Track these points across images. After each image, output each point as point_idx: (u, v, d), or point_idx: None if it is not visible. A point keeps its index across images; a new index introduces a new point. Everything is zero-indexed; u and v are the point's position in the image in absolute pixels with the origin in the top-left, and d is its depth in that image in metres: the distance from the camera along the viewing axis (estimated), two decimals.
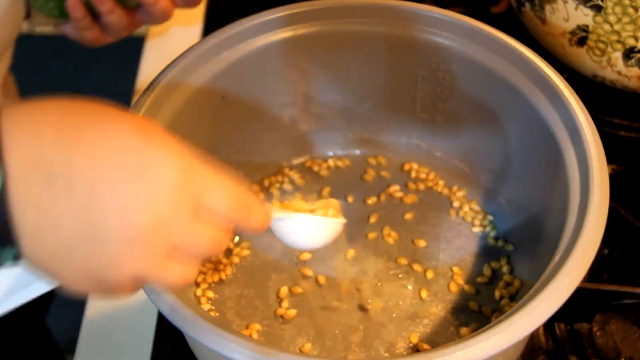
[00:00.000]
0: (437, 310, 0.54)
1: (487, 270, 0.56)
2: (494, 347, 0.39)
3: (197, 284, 0.55)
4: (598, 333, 0.54)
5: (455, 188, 0.62)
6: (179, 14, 0.62)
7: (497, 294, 0.55)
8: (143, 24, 0.57)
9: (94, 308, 0.58)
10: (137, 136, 0.33)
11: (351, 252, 0.58)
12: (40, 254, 0.33)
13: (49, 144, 0.32)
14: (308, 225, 0.44)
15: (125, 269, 0.33)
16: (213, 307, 0.55)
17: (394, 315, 0.54)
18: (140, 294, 0.41)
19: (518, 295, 0.54)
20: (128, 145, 0.33)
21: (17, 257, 0.32)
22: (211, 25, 0.78)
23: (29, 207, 0.32)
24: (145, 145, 0.33)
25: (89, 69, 1.71)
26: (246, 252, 0.58)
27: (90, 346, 0.56)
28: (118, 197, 0.32)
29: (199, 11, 0.80)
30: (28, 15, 0.56)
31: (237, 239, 0.59)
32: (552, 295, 0.40)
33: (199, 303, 0.54)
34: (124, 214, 0.32)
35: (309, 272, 0.57)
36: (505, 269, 0.56)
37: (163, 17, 0.56)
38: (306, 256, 0.57)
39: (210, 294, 0.55)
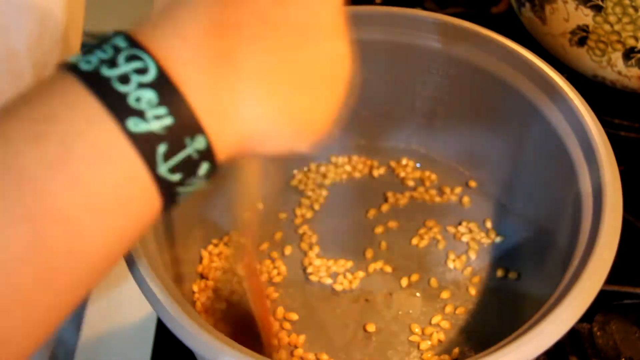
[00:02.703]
0: (449, 316, 0.54)
1: (493, 281, 0.56)
2: (528, 354, 0.39)
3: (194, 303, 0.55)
4: (598, 333, 0.54)
5: (457, 194, 0.61)
6: None
7: (502, 303, 0.55)
8: None
9: (94, 309, 0.58)
10: None
11: (356, 262, 0.58)
12: (279, 108, 0.32)
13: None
14: None
15: (343, 44, 0.34)
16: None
17: (405, 324, 0.54)
18: (140, 295, 0.42)
19: (525, 308, 0.54)
20: None
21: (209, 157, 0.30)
22: None
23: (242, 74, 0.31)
24: None
25: None
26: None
27: (90, 347, 0.56)
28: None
29: None
30: None
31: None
32: (576, 299, 0.41)
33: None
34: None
35: (316, 285, 0.56)
36: (512, 280, 0.56)
37: None
38: (311, 269, 0.57)
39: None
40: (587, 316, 0.54)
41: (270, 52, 0.31)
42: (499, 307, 0.54)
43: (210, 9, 0.31)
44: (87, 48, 0.30)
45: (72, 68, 0.29)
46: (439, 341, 0.53)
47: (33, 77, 0.47)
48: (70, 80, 0.29)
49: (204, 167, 0.30)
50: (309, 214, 0.61)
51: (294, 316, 0.54)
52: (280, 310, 0.55)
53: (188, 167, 0.30)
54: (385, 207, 0.61)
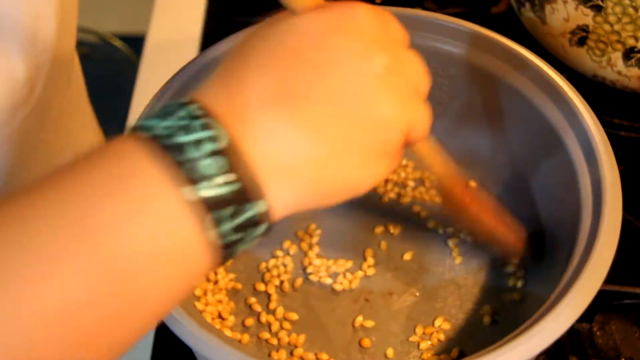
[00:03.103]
0: (449, 316, 0.54)
1: (493, 281, 0.56)
2: (528, 352, 0.39)
3: (198, 298, 0.55)
4: (598, 333, 0.54)
5: None
6: (179, 12, 0.62)
7: (502, 303, 0.54)
8: None
9: None
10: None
11: (356, 262, 0.57)
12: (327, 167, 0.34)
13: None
14: None
15: (392, 106, 0.35)
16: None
17: (405, 324, 0.54)
18: None
19: (525, 307, 0.54)
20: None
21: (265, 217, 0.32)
22: (211, 24, 0.78)
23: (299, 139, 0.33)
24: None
25: (88, 68, 1.71)
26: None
27: None
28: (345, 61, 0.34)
29: (199, 10, 0.80)
30: None
31: None
32: (576, 298, 0.41)
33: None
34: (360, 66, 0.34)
35: (316, 285, 0.56)
36: (512, 280, 0.56)
37: None
38: (311, 269, 0.57)
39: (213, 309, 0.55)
40: (587, 316, 0.54)
41: (324, 121, 0.33)
42: (499, 307, 0.54)
43: (271, 79, 0.33)
44: (159, 113, 0.32)
45: (148, 131, 0.31)
46: (439, 341, 0.53)
47: (27, 79, 0.47)
48: (146, 143, 0.31)
49: (262, 227, 0.33)
50: (309, 214, 0.61)
51: (294, 316, 0.54)
52: (280, 310, 0.55)
53: (247, 228, 0.32)
54: (385, 207, 0.61)
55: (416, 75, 0.38)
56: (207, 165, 0.30)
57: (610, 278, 0.54)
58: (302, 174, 0.33)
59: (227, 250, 0.32)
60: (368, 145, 0.35)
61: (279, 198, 0.33)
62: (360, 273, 0.57)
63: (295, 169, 0.33)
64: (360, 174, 0.35)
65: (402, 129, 0.36)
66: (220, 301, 0.55)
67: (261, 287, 0.56)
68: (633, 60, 0.64)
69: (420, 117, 0.38)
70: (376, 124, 0.35)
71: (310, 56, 0.34)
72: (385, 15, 0.37)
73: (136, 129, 0.32)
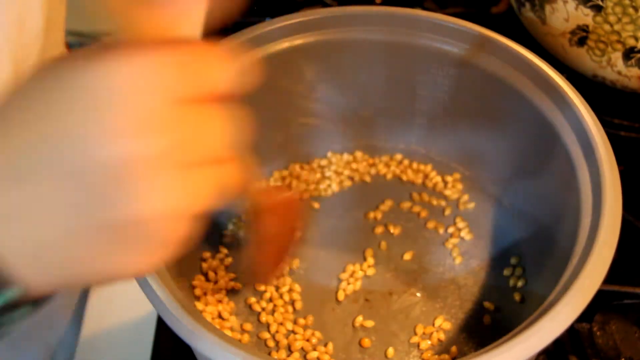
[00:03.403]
0: (449, 316, 0.54)
1: (493, 281, 0.56)
2: (527, 351, 0.39)
3: (198, 298, 0.55)
4: (598, 333, 0.54)
5: (457, 194, 0.61)
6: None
7: (502, 303, 0.54)
8: None
9: (94, 308, 0.58)
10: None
11: (356, 262, 0.57)
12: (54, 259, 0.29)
13: None
14: None
15: (150, 202, 0.28)
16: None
17: (405, 324, 0.54)
18: (140, 293, 0.42)
19: (525, 307, 0.54)
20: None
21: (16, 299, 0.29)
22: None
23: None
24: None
25: None
26: None
27: (90, 346, 0.56)
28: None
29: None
30: None
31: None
32: (575, 297, 0.41)
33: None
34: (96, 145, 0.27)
35: (316, 285, 0.56)
36: (512, 280, 0.56)
37: None
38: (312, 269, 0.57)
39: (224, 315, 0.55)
40: (587, 316, 0.54)
41: (62, 205, 0.28)
42: (499, 307, 0.54)
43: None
44: None
45: None
46: (439, 341, 0.53)
47: (14, 71, 0.47)
48: None
49: (24, 309, 0.30)
50: (308, 214, 0.61)
51: (294, 316, 0.54)
52: (280, 311, 0.55)
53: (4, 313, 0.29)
54: (385, 207, 0.61)
55: (210, 141, 0.30)
56: None
57: (610, 278, 0.54)
58: (45, 258, 0.29)
59: None
60: (117, 232, 0.29)
61: (33, 280, 0.29)
62: (360, 273, 0.57)
63: (37, 252, 0.29)
64: (111, 263, 0.30)
65: (177, 216, 0.29)
66: (220, 301, 0.55)
67: (261, 287, 0.56)
68: (633, 60, 0.64)
69: (208, 188, 0.30)
70: (131, 218, 0.28)
71: (60, 126, 0.28)
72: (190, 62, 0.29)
73: None
